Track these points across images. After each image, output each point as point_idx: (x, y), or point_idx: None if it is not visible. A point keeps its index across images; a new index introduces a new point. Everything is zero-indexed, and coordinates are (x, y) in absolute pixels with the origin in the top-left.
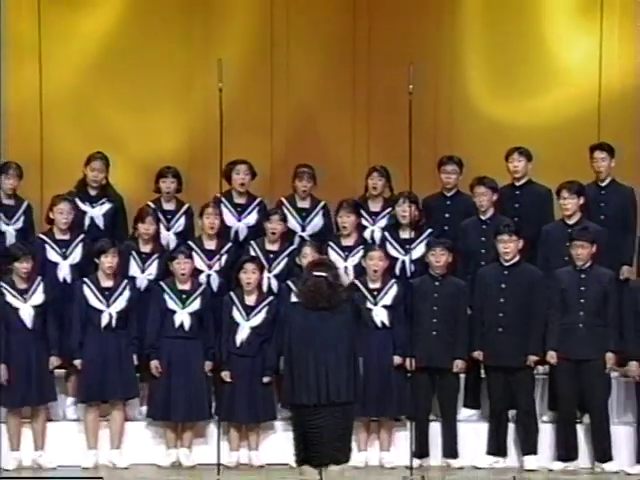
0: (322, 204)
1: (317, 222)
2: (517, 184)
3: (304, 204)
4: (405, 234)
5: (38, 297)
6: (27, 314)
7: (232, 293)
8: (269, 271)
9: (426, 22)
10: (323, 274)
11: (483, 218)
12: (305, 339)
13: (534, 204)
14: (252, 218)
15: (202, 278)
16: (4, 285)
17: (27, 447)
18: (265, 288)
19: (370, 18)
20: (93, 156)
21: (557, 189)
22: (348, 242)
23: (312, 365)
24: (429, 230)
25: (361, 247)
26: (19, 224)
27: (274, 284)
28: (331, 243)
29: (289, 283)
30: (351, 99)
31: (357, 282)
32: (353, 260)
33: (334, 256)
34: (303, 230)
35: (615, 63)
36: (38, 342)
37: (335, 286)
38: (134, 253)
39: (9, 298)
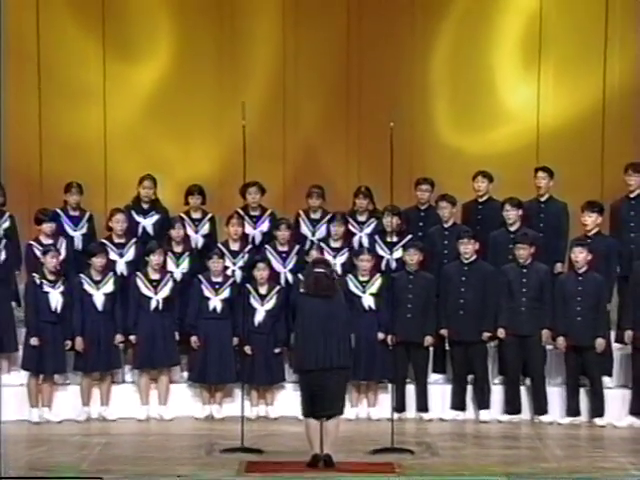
0: (329, 216)
1: (324, 229)
2: (480, 200)
3: (316, 216)
4: (390, 238)
5: (109, 287)
6: (99, 300)
7: (248, 285)
8: (284, 267)
9: (403, 74)
10: (322, 270)
11: (445, 226)
12: (311, 320)
13: (494, 217)
14: (265, 226)
15: (229, 272)
16: (83, 276)
17: (95, 403)
18: (283, 281)
19: (360, 72)
20: (144, 177)
21: (501, 203)
22: (336, 245)
23: (317, 339)
24: (409, 236)
25: (346, 249)
26: (83, 230)
27: (290, 277)
28: (322, 244)
29: (299, 276)
30: (345, 134)
31: (350, 275)
32: (341, 259)
33: (326, 255)
34: (313, 235)
35: (550, 105)
36: (107, 322)
37: (332, 279)
38: (169, 253)
39: (86, 286)
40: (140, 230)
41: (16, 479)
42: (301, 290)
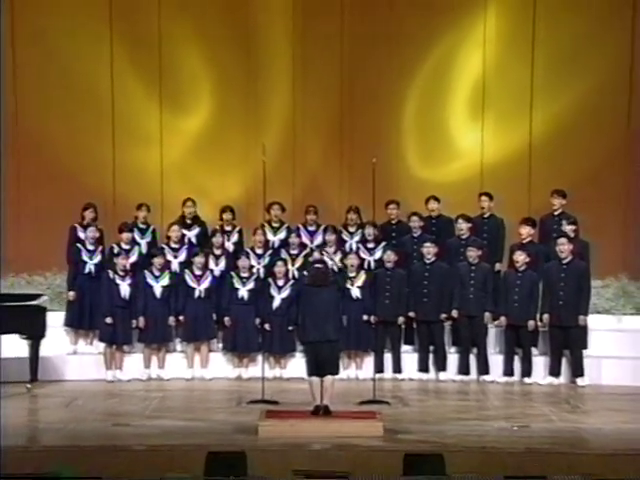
0: (323, 227)
1: (320, 238)
2: (433, 216)
3: (312, 228)
4: (370, 245)
5: (165, 281)
6: (157, 290)
7: (269, 279)
8: (292, 265)
9: (383, 123)
10: (320, 266)
11: (414, 236)
12: (312, 305)
13: (445, 229)
14: (282, 235)
15: (254, 270)
16: (147, 272)
17: (154, 367)
18: (291, 276)
19: (351, 121)
20: (186, 200)
21: (455, 218)
22: (331, 249)
23: (317, 319)
24: (384, 243)
25: (339, 251)
26: (148, 238)
27: (296, 273)
28: (324, 249)
29: (304, 272)
30: (339, 167)
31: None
32: (336, 259)
33: (325, 256)
34: (311, 243)
35: (491, 146)
36: (163, 307)
37: (326, 273)
38: (211, 255)
39: (148, 279)
40: (187, 240)
41: (16, 478)
42: (305, 282)
